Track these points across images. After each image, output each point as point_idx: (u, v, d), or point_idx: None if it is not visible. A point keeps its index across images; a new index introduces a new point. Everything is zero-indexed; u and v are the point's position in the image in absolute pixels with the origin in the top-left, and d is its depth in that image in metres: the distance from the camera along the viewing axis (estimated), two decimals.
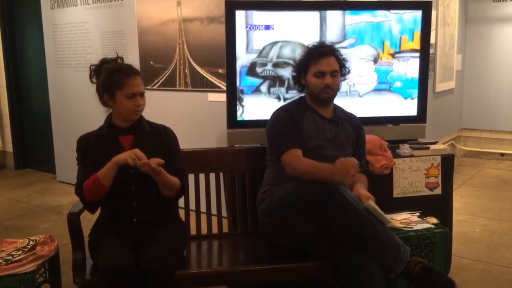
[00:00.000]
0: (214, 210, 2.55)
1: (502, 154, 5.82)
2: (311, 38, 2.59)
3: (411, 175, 2.67)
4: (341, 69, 2.41)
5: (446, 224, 2.51)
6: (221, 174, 2.61)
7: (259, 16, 2.72)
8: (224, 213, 2.59)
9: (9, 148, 5.95)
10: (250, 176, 2.60)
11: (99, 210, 2.23)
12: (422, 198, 2.68)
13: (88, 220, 2.25)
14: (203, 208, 2.54)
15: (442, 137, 5.24)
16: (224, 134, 2.85)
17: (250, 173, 2.61)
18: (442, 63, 4.95)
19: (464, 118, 5.94)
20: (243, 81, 2.76)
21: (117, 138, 2.18)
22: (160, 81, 4.17)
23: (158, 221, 2.19)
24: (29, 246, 2.30)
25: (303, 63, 2.40)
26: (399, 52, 2.88)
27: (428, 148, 2.73)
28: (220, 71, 3.76)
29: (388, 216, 2.26)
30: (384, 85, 2.90)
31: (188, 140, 2.88)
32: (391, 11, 2.84)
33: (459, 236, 3.40)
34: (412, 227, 2.31)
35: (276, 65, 2.76)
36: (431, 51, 3.95)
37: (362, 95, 2.88)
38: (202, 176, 2.56)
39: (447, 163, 2.71)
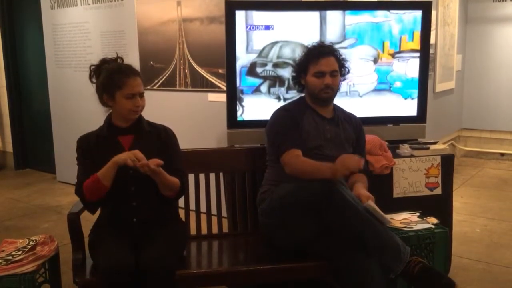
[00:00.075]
0: (214, 210, 2.55)
1: (502, 154, 5.82)
2: (311, 38, 2.59)
3: (411, 175, 2.67)
4: (341, 69, 2.41)
5: (446, 224, 2.51)
6: (221, 174, 2.61)
7: (259, 16, 2.72)
8: (224, 213, 2.59)
9: (9, 148, 5.95)
10: (250, 176, 2.60)
11: (99, 210, 2.23)
12: (422, 198, 2.68)
13: (88, 220, 2.25)
14: (203, 208, 2.54)
15: (442, 137, 5.24)
16: (224, 134, 2.85)
17: (250, 173, 2.61)
18: (442, 63, 4.95)
19: (464, 118, 5.94)
20: (243, 81, 2.76)
21: (117, 138, 2.18)
22: (160, 81, 4.17)
23: (158, 221, 2.19)
24: (29, 246, 2.30)
25: (303, 63, 2.41)
26: (399, 52, 2.88)
27: (428, 148, 2.73)
28: (220, 71, 3.76)
29: (388, 216, 2.26)
30: (384, 85, 2.90)
31: (188, 140, 2.88)
32: (391, 11, 2.84)
33: (459, 236, 3.40)
34: (412, 227, 2.31)
35: (276, 65, 2.76)
36: (431, 51, 3.95)
37: (362, 95, 2.88)
38: (202, 176, 2.56)
39: (447, 163, 2.71)
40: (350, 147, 2.42)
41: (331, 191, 2.05)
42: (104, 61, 2.22)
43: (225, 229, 2.61)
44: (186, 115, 4.05)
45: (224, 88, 3.19)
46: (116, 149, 2.11)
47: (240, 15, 2.70)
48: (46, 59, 5.19)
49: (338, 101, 2.52)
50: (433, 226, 2.33)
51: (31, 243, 2.35)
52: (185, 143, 2.51)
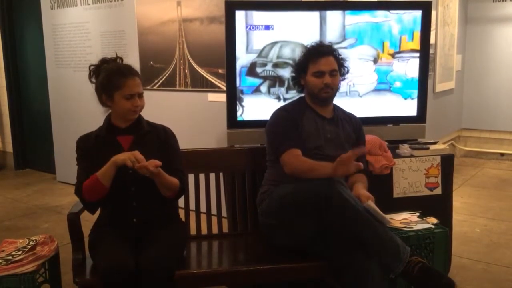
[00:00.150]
0: (214, 210, 2.55)
1: (502, 154, 5.82)
2: (311, 38, 2.59)
3: (411, 175, 2.67)
4: (340, 68, 2.42)
5: (446, 224, 2.51)
6: (221, 174, 2.61)
7: (259, 16, 2.72)
8: (224, 213, 2.59)
9: (9, 148, 5.96)
10: (250, 176, 2.60)
11: (99, 210, 2.23)
12: (422, 198, 2.68)
13: (88, 220, 2.25)
14: (203, 208, 2.54)
15: (442, 137, 5.24)
16: (224, 134, 2.85)
17: (250, 173, 2.61)
18: (442, 63, 4.95)
19: (464, 118, 5.94)
20: (243, 81, 2.76)
21: (116, 139, 2.18)
22: (160, 81, 4.17)
23: (158, 221, 2.19)
24: (29, 246, 2.30)
25: (302, 63, 2.41)
26: (399, 52, 2.88)
27: (428, 148, 2.73)
28: (220, 71, 3.76)
29: (388, 216, 2.26)
30: (384, 85, 2.90)
31: (188, 140, 2.88)
32: (391, 11, 2.84)
33: (459, 236, 3.40)
34: (412, 227, 2.31)
35: (276, 65, 2.77)
36: (431, 51, 3.95)
37: (362, 95, 2.88)
38: (202, 176, 2.56)
39: (447, 163, 2.71)
40: (350, 147, 2.41)
41: (331, 191, 2.05)
42: (103, 61, 2.22)
43: (225, 229, 2.61)
44: (186, 115, 4.05)
45: (224, 88, 3.19)
46: (115, 149, 2.11)
47: (240, 15, 2.70)
48: (46, 59, 5.19)
49: (338, 101, 2.52)
50: (433, 226, 2.33)
51: (31, 243, 2.35)
52: (185, 143, 2.51)
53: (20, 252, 2.25)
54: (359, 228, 2.04)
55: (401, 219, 2.42)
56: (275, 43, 2.75)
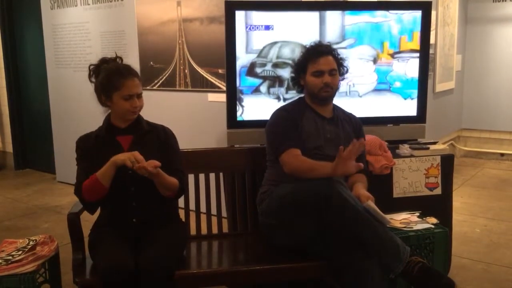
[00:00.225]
0: (214, 210, 2.55)
1: (502, 154, 5.82)
2: (311, 39, 2.59)
3: (411, 175, 2.67)
4: (339, 68, 2.42)
5: (446, 224, 2.51)
6: (221, 174, 2.61)
7: (259, 16, 2.72)
8: (224, 213, 2.59)
9: (9, 148, 5.96)
10: (250, 176, 2.60)
11: (98, 210, 2.23)
12: (422, 198, 2.68)
13: (88, 220, 2.25)
14: (203, 208, 2.54)
15: (442, 137, 5.24)
16: (224, 134, 2.85)
17: (250, 173, 2.61)
18: (442, 63, 4.95)
19: (464, 118, 5.94)
20: (243, 81, 2.76)
21: (116, 139, 2.18)
22: (160, 81, 4.17)
23: (158, 221, 2.19)
24: (29, 246, 2.30)
25: (302, 63, 2.41)
26: (399, 52, 2.88)
27: (428, 148, 2.73)
28: (220, 71, 3.76)
29: (388, 216, 2.26)
30: (383, 85, 2.90)
31: (188, 140, 2.88)
32: (390, 11, 2.84)
33: (459, 236, 3.40)
34: (412, 227, 2.31)
35: (275, 65, 2.77)
36: (431, 51, 3.95)
37: (361, 95, 2.88)
38: (202, 176, 2.56)
39: (447, 163, 2.71)
40: None
41: (331, 191, 2.05)
42: (103, 61, 2.22)
43: (225, 229, 2.61)
44: (186, 115, 4.05)
45: (224, 88, 3.19)
46: (115, 149, 2.11)
47: (239, 15, 2.70)
48: (46, 59, 5.19)
49: (337, 101, 2.52)
50: (433, 226, 2.33)
51: (31, 243, 2.35)
52: (185, 143, 2.51)
53: (20, 252, 2.25)
54: (359, 228, 2.05)
55: (401, 219, 2.42)
56: (274, 43, 2.75)
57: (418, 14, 2.87)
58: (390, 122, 2.96)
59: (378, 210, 2.14)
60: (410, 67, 2.91)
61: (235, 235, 2.60)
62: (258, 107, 2.77)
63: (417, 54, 2.90)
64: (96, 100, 2.19)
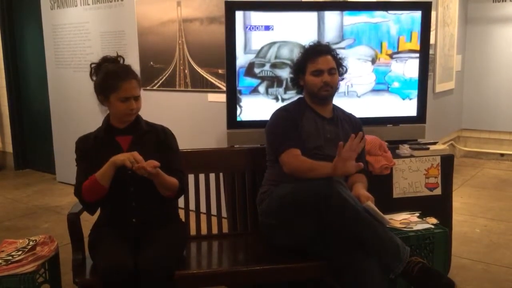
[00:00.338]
0: (214, 211, 2.55)
1: (502, 155, 5.82)
2: (309, 39, 2.59)
3: (411, 176, 2.67)
4: (339, 68, 2.42)
5: (446, 224, 2.51)
6: (221, 174, 2.61)
7: (257, 17, 2.73)
8: (224, 213, 2.59)
9: (9, 148, 5.96)
10: (250, 176, 2.61)
11: (98, 210, 2.23)
12: (422, 198, 2.68)
13: (88, 220, 2.25)
14: (203, 208, 2.54)
15: (442, 138, 5.24)
16: (224, 134, 2.85)
17: (250, 173, 2.61)
18: (442, 64, 4.95)
19: (464, 119, 5.94)
20: (241, 82, 2.76)
21: (115, 139, 2.18)
22: (160, 82, 4.17)
23: (158, 221, 2.19)
24: (29, 247, 2.30)
25: (301, 63, 2.42)
26: (397, 52, 2.88)
27: (427, 149, 2.73)
28: (220, 71, 3.76)
29: (388, 217, 2.26)
30: (382, 86, 2.90)
31: (188, 140, 2.89)
32: (389, 11, 2.84)
33: (459, 236, 3.40)
34: (412, 228, 2.32)
35: (274, 65, 2.77)
36: (431, 51, 3.95)
37: (360, 96, 2.89)
38: (202, 176, 2.56)
39: (447, 163, 2.71)
40: None
41: (331, 191, 2.05)
42: (104, 60, 2.22)
43: (225, 229, 2.61)
44: (186, 115, 4.05)
45: (224, 89, 3.19)
46: (114, 149, 2.11)
47: (238, 15, 2.70)
48: (46, 60, 5.19)
49: (336, 101, 2.52)
50: (432, 227, 2.33)
51: (31, 243, 2.35)
52: (185, 143, 2.51)
53: (20, 252, 2.25)
54: (358, 228, 2.05)
55: (401, 219, 2.42)
56: (273, 43, 2.75)
57: (417, 14, 2.87)
58: (390, 123, 2.96)
59: (378, 211, 2.14)
60: (408, 68, 2.91)
61: (235, 235, 2.60)
62: (256, 107, 2.77)
63: (416, 55, 2.90)
64: (96, 100, 2.19)
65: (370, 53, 2.85)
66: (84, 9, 4.69)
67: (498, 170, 5.43)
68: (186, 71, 4.00)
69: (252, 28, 2.72)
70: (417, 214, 2.49)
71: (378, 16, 2.84)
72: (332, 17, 2.79)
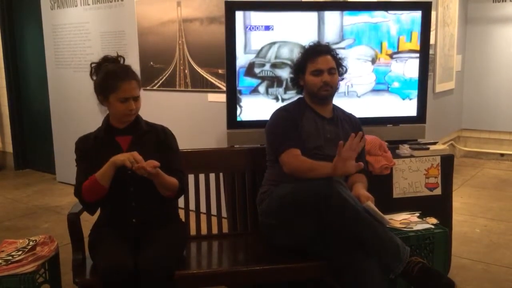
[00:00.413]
0: (214, 211, 2.55)
1: (502, 155, 5.82)
2: (309, 39, 2.59)
3: (411, 176, 2.67)
4: (338, 68, 2.42)
5: (446, 225, 2.51)
6: (221, 174, 2.61)
7: (257, 17, 2.73)
8: (224, 213, 2.59)
9: (9, 148, 5.96)
10: (250, 176, 2.61)
11: (99, 211, 2.23)
12: (422, 198, 2.68)
13: (88, 220, 2.25)
14: (203, 208, 2.54)
15: (442, 138, 5.24)
16: (224, 134, 2.85)
17: (250, 173, 2.61)
18: (442, 64, 4.95)
19: (464, 119, 5.94)
20: (241, 82, 2.76)
21: (115, 139, 2.18)
22: (160, 82, 4.17)
23: (158, 221, 2.19)
24: (29, 247, 2.30)
25: (300, 63, 2.42)
26: (397, 52, 2.88)
27: (427, 149, 2.73)
28: (220, 71, 3.76)
29: (388, 217, 2.26)
30: (382, 86, 2.90)
31: (188, 140, 2.89)
32: (389, 11, 2.84)
33: (459, 236, 3.40)
34: (412, 228, 2.32)
35: (274, 65, 2.77)
36: (431, 51, 3.95)
37: (360, 96, 2.89)
38: (202, 176, 2.56)
39: (447, 163, 2.71)
40: None
41: (330, 191, 2.05)
42: (105, 59, 2.22)
43: (225, 229, 2.61)
44: (186, 115, 4.05)
45: (224, 89, 3.19)
46: (114, 150, 2.11)
47: (238, 15, 2.70)
48: (46, 60, 5.19)
49: (336, 101, 2.52)
50: (432, 227, 2.33)
51: (31, 243, 2.35)
52: (185, 143, 2.51)
53: (20, 253, 2.25)
54: (358, 228, 2.05)
55: (401, 219, 2.42)
56: (273, 43, 2.75)
57: (417, 14, 2.87)
58: (390, 123, 2.96)
59: (378, 211, 2.14)
60: (408, 68, 2.91)
61: (235, 235, 2.60)
62: (257, 107, 2.77)
63: (416, 55, 2.90)
64: (96, 100, 2.19)
65: (370, 53, 2.85)
66: (84, 9, 4.69)
67: (498, 170, 5.43)
68: (186, 71, 4.00)
69: (252, 28, 2.72)
70: (417, 214, 2.49)
71: (378, 16, 2.84)
72: (332, 17, 2.79)
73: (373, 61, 2.87)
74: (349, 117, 2.52)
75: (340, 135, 2.40)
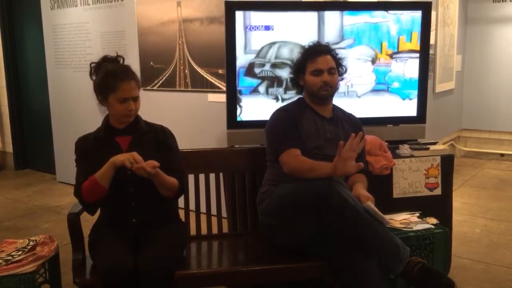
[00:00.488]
0: (214, 211, 2.55)
1: (502, 155, 5.82)
2: (309, 39, 2.59)
3: (411, 176, 2.67)
4: (338, 68, 2.43)
5: (446, 225, 2.51)
6: (221, 174, 2.61)
7: (257, 17, 2.73)
8: (224, 213, 2.59)
9: (9, 148, 5.96)
10: (250, 176, 2.61)
11: (99, 211, 2.23)
12: (422, 198, 2.68)
13: (88, 220, 2.25)
14: (203, 208, 2.54)
15: (442, 138, 5.24)
16: (224, 135, 2.85)
17: (250, 173, 2.61)
18: (442, 64, 4.95)
19: (464, 119, 5.94)
20: (241, 82, 2.76)
21: (115, 139, 2.17)
22: (160, 82, 4.17)
23: (157, 221, 2.19)
24: (29, 247, 2.30)
25: (300, 63, 2.42)
26: (397, 52, 2.88)
27: (428, 149, 2.73)
28: (220, 71, 3.76)
29: (388, 217, 2.26)
30: (382, 86, 2.90)
31: (188, 140, 2.89)
32: (389, 11, 2.84)
33: (459, 236, 3.40)
34: (412, 228, 2.32)
35: (274, 65, 2.77)
36: (431, 51, 3.95)
37: (360, 96, 2.89)
38: (202, 176, 2.56)
39: (447, 163, 2.71)
40: None
41: (330, 191, 2.05)
42: (105, 59, 2.22)
43: (225, 229, 2.61)
44: (186, 115, 4.05)
45: (224, 89, 3.19)
46: (114, 150, 2.11)
47: (238, 15, 2.70)
48: (46, 60, 5.19)
49: (336, 101, 2.52)
50: (432, 227, 2.33)
51: (31, 243, 2.35)
52: (185, 143, 2.51)
53: (20, 252, 2.25)
54: (358, 228, 2.05)
55: (401, 219, 2.42)
56: (273, 43, 2.75)
57: (417, 14, 2.87)
58: (390, 123, 2.96)
59: (378, 211, 2.14)
60: (408, 68, 2.91)
61: (235, 235, 2.60)
62: (257, 107, 2.77)
63: (416, 55, 2.90)
64: (96, 100, 2.19)
65: (370, 53, 2.85)
66: (84, 9, 4.69)
67: (498, 170, 5.43)
68: (186, 71, 4.00)
69: (252, 28, 2.72)
70: (417, 214, 2.49)
71: (378, 16, 2.84)
72: (332, 17, 2.79)
73: (373, 61, 2.87)
74: (349, 117, 2.52)
75: (340, 135, 2.40)
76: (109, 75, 2.11)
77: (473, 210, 4.08)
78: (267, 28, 2.74)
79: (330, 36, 2.78)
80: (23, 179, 5.50)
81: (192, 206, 2.52)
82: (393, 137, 2.92)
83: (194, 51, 3.93)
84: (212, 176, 2.58)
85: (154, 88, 4.20)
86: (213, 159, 2.62)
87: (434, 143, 2.89)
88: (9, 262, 2.18)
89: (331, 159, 2.14)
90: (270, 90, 2.78)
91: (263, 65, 2.76)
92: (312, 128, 2.37)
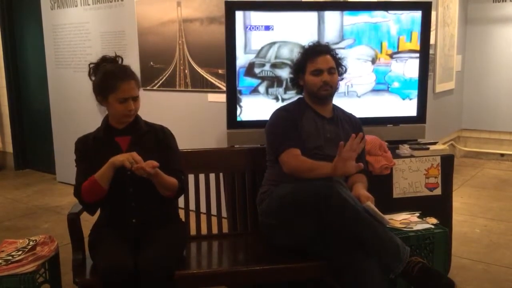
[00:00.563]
0: (214, 211, 2.55)
1: (502, 155, 5.82)
2: (309, 39, 2.59)
3: (411, 176, 2.67)
4: (338, 67, 2.43)
5: (446, 225, 2.51)
6: (221, 174, 2.61)
7: (257, 17, 2.73)
8: (224, 213, 2.59)
9: (9, 148, 5.96)
10: (250, 176, 2.61)
11: (99, 211, 2.23)
12: (422, 198, 2.68)
13: (88, 220, 2.25)
14: (203, 208, 2.54)
15: (442, 138, 5.24)
16: (224, 135, 2.85)
17: (250, 173, 2.61)
18: (442, 64, 4.95)
19: (464, 119, 5.94)
20: (241, 82, 2.76)
21: (114, 139, 2.17)
22: (160, 82, 4.17)
23: (157, 221, 2.19)
24: (29, 247, 2.30)
25: (300, 63, 2.42)
26: (397, 52, 2.88)
27: (428, 149, 2.73)
28: (220, 71, 3.76)
29: (388, 217, 2.26)
30: (382, 86, 2.90)
31: (188, 140, 2.89)
32: (389, 11, 2.84)
33: (459, 236, 3.40)
34: (412, 228, 2.32)
35: (274, 65, 2.77)
36: (431, 51, 3.95)
37: (360, 96, 2.89)
38: (202, 176, 2.56)
39: (447, 163, 2.71)
40: None
41: (330, 191, 2.05)
42: (103, 59, 2.21)
43: (225, 229, 2.61)
44: (186, 115, 4.05)
45: (224, 89, 3.19)
46: (113, 150, 2.11)
47: (238, 15, 2.70)
48: (46, 60, 5.19)
49: (336, 101, 2.52)
50: (432, 227, 2.33)
51: (31, 243, 2.35)
52: (185, 143, 2.51)
53: (20, 252, 2.25)
54: (358, 228, 2.05)
55: (401, 219, 2.42)
56: (273, 43, 2.75)
57: (417, 14, 2.87)
58: (390, 123, 2.96)
59: (378, 211, 2.14)
60: (408, 68, 2.91)
61: (235, 235, 2.60)
62: (257, 107, 2.77)
63: (416, 55, 2.90)
64: (95, 100, 2.19)
65: (370, 53, 2.85)
66: (84, 9, 4.69)
67: (498, 170, 5.43)
68: (186, 71, 4.00)
69: (252, 28, 2.72)
70: (417, 214, 2.49)
71: (378, 16, 2.84)
72: (332, 17, 2.79)
73: (373, 61, 2.87)
74: (349, 117, 2.52)
75: (340, 135, 2.40)
76: (108, 75, 2.11)
77: (473, 210, 4.08)
78: (267, 28, 2.74)
79: (330, 36, 2.78)
80: (23, 179, 5.50)
81: (192, 206, 2.52)
82: (393, 137, 2.92)
83: (194, 51, 3.93)
84: (212, 176, 2.58)
85: (154, 88, 4.20)
86: (213, 159, 2.62)
87: (434, 143, 2.89)
88: (9, 262, 2.18)
89: (331, 159, 2.14)
90: (270, 90, 2.78)
91: (263, 65, 2.76)
92: (312, 128, 2.37)
